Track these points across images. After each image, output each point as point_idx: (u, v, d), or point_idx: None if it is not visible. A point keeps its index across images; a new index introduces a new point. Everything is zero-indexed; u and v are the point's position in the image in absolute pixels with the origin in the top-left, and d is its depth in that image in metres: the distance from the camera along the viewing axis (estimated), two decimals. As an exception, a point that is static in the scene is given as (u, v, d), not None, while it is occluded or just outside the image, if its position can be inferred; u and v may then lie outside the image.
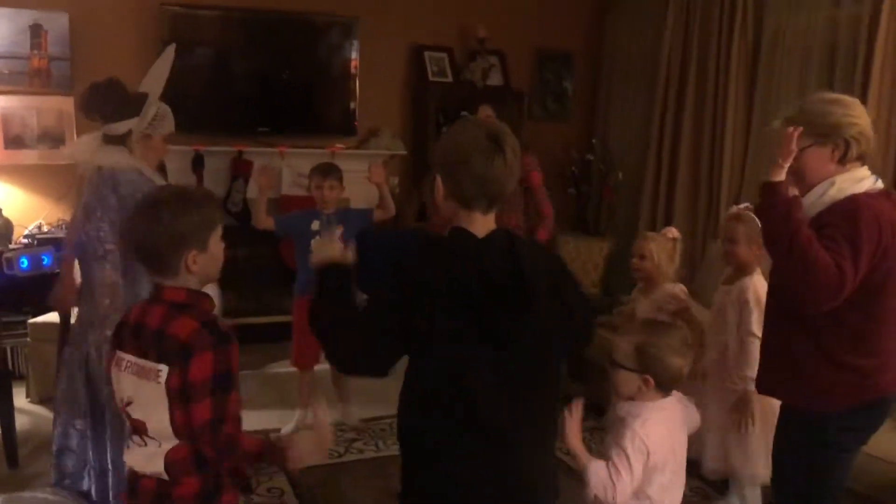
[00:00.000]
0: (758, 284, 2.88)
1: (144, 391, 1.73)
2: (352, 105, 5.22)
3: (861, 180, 2.12)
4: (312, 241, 3.79)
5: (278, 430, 3.83)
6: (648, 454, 1.97)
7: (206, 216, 1.79)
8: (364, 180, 5.44)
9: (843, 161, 2.12)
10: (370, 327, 1.74)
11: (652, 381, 2.02)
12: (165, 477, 1.73)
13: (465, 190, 1.72)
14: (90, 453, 2.63)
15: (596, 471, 1.99)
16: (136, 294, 2.54)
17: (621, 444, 1.99)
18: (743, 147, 4.69)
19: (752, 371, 2.72)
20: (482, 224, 1.75)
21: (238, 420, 1.74)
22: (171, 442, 1.73)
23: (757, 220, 2.90)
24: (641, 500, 2.02)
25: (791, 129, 2.07)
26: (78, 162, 2.85)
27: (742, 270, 2.96)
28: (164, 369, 1.69)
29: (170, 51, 2.92)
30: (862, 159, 2.15)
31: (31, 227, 4.40)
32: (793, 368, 2.16)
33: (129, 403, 1.76)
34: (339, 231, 3.82)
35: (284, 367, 4.39)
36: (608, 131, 5.87)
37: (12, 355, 4.37)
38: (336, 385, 4.02)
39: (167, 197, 1.79)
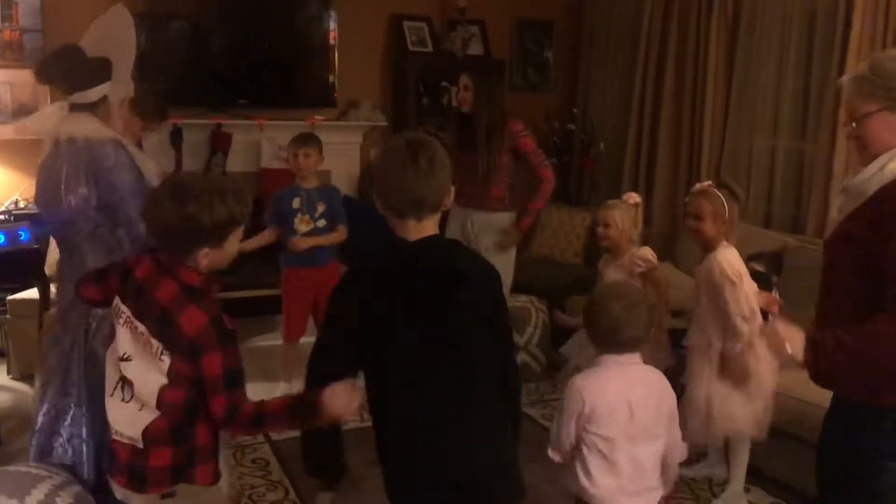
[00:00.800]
0: (728, 259, 2.87)
1: (141, 358, 1.75)
2: (331, 77, 5.16)
3: None
4: (295, 219, 3.80)
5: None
6: (584, 404, 2.03)
7: (232, 216, 1.79)
8: (344, 152, 5.44)
9: None
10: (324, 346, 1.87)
11: (588, 333, 2.12)
12: (140, 445, 1.76)
13: (387, 199, 1.83)
14: (84, 430, 2.58)
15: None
16: None
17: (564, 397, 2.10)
18: (723, 115, 4.70)
19: (742, 341, 2.80)
20: (416, 231, 1.83)
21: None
22: (151, 412, 1.75)
23: (722, 196, 2.93)
24: (590, 452, 2.07)
25: (779, 329, 1.85)
26: (42, 134, 2.61)
27: (707, 246, 2.95)
28: (166, 354, 1.72)
29: (121, 11, 2.61)
30: None
31: (7, 204, 4.35)
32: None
33: (126, 359, 1.78)
34: (321, 208, 3.86)
35: (268, 341, 4.41)
36: (589, 101, 5.86)
37: (-8, 332, 4.36)
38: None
39: (199, 188, 1.78)
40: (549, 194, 4.03)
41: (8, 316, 4.14)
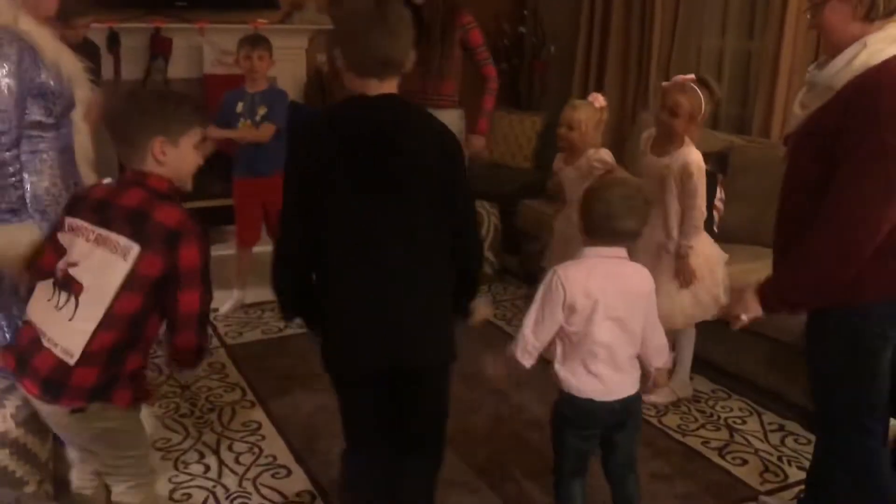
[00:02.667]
0: (696, 156, 2.92)
1: (99, 259, 1.73)
2: (274, -23, 4.98)
3: None
4: (238, 124, 3.72)
5: (216, 311, 3.86)
6: (565, 293, 1.99)
7: (183, 114, 1.81)
8: (290, 57, 5.29)
9: (869, 17, 1.82)
10: (286, 209, 1.89)
11: (581, 222, 2.07)
12: (71, 361, 1.70)
13: (354, 57, 1.82)
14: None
15: (513, 350, 2.07)
16: None
17: (539, 288, 2.06)
18: (673, 16, 4.67)
19: (694, 240, 2.91)
20: (379, 90, 1.84)
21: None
22: (90, 322, 1.70)
23: (699, 92, 2.89)
24: (564, 338, 2.06)
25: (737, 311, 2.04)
26: None
27: (673, 141, 2.95)
28: (134, 248, 1.69)
29: None
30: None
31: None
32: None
33: (73, 265, 1.75)
34: (262, 111, 3.77)
35: (221, 251, 4.36)
36: (540, 3, 5.76)
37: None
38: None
39: (154, 87, 1.82)
40: (496, 92, 3.99)
41: None
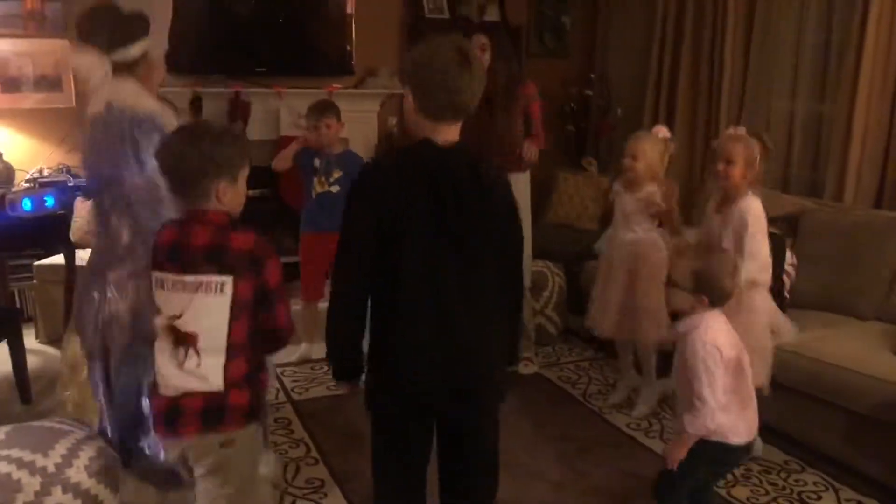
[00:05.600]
0: (756, 205, 2.86)
1: (200, 304, 1.83)
2: (348, 44, 5.17)
3: None
4: (314, 179, 3.84)
5: (287, 365, 3.96)
6: (721, 354, 2.19)
7: (240, 151, 1.93)
8: (362, 120, 5.44)
9: None
10: (347, 254, 1.91)
11: (706, 300, 2.23)
12: (218, 389, 1.85)
13: (436, 101, 1.84)
14: (101, 394, 2.64)
15: (691, 422, 2.21)
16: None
17: (694, 360, 2.19)
18: (741, 78, 4.66)
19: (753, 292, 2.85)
20: (446, 134, 1.89)
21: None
22: (218, 356, 1.83)
23: (756, 142, 2.91)
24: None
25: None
26: (89, 78, 2.44)
27: (733, 197, 2.90)
28: (228, 280, 1.82)
29: None
30: None
31: (32, 172, 4.42)
32: None
33: (177, 317, 1.84)
34: (336, 175, 3.89)
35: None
36: (607, 66, 5.82)
37: (20, 298, 4.45)
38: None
39: (207, 127, 1.93)
40: (542, 143, 3.88)
41: (35, 281, 4.23)
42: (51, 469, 2.04)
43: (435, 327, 1.88)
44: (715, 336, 2.21)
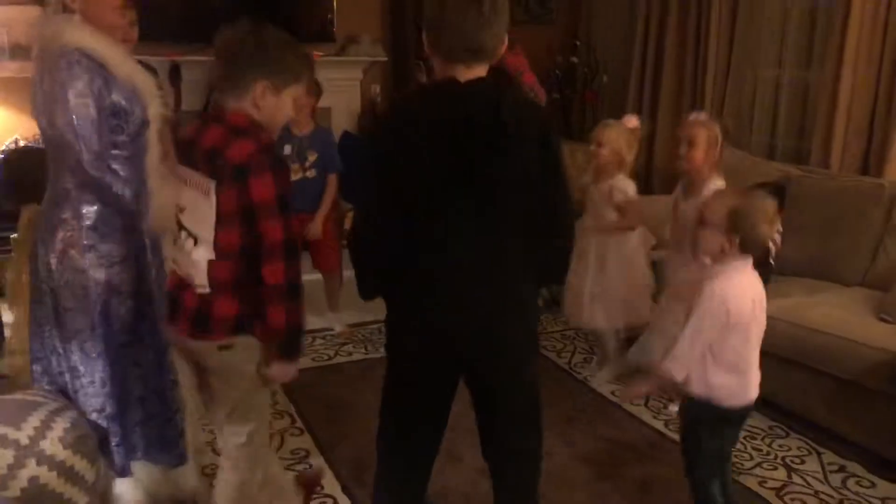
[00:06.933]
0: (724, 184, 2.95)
1: (193, 200, 1.82)
2: (329, 11, 5.08)
3: None
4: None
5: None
6: (728, 313, 2.07)
7: (298, 65, 1.84)
8: (344, 88, 5.36)
9: None
10: (364, 194, 1.87)
11: (736, 241, 2.08)
12: (206, 290, 1.82)
13: (444, 42, 1.76)
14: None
15: (671, 368, 2.14)
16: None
17: (697, 306, 2.09)
18: (728, 46, 4.62)
19: None
20: (466, 75, 1.78)
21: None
22: (206, 255, 1.81)
23: (718, 126, 2.99)
24: (717, 360, 2.13)
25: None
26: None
27: (697, 182, 2.98)
28: (211, 185, 1.76)
29: None
30: None
31: (7, 143, 4.34)
32: None
33: (182, 210, 1.87)
34: (312, 158, 3.81)
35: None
36: (592, 33, 5.76)
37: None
38: (327, 294, 4.08)
39: (276, 32, 1.83)
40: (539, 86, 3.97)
41: (13, 255, 4.16)
42: (24, 441, 2.00)
43: (452, 282, 1.82)
44: (730, 292, 2.09)
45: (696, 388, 2.16)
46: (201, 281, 1.83)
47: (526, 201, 1.81)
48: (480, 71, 1.78)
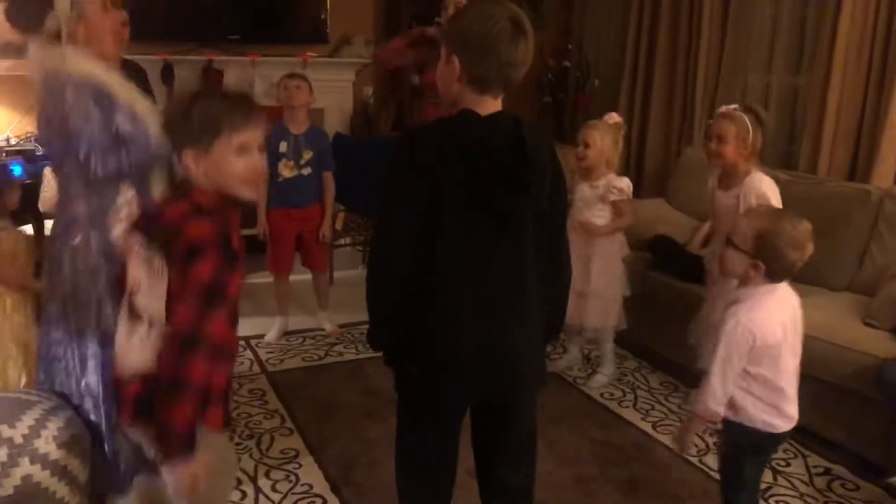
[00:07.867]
0: (769, 183, 2.91)
1: (149, 282, 1.69)
2: (323, 12, 5.10)
3: None
4: (279, 163, 3.76)
5: (262, 336, 3.94)
6: (755, 338, 1.97)
7: (214, 115, 1.64)
8: (337, 89, 5.36)
9: None
10: (391, 218, 1.79)
11: (762, 267, 1.98)
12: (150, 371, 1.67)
13: (487, 73, 1.71)
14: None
15: (696, 399, 2.09)
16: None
17: (724, 335, 1.99)
18: (718, 51, 4.65)
19: None
20: (490, 107, 1.76)
21: (219, 353, 1.66)
22: (159, 336, 1.67)
23: (747, 119, 2.92)
24: (750, 381, 2.04)
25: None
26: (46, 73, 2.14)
27: (738, 172, 2.95)
28: (166, 273, 1.64)
29: None
30: None
31: (-1, 140, 4.34)
32: None
33: (134, 292, 1.72)
34: (307, 156, 3.83)
35: (259, 279, 4.42)
36: (584, 37, 5.79)
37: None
38: (317, 293, 4.09)
39: (207, 92, 1.76)
40: None
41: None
42: (18, 440, 2.00)
43: (475, 314, 1.79)
44: (756, 319, 1.98)
45: (734, 415, 2.09)
46: (148, 365, 1.68)
47: (538, 233, 1.83)
48: (499, 105, 1.78)
